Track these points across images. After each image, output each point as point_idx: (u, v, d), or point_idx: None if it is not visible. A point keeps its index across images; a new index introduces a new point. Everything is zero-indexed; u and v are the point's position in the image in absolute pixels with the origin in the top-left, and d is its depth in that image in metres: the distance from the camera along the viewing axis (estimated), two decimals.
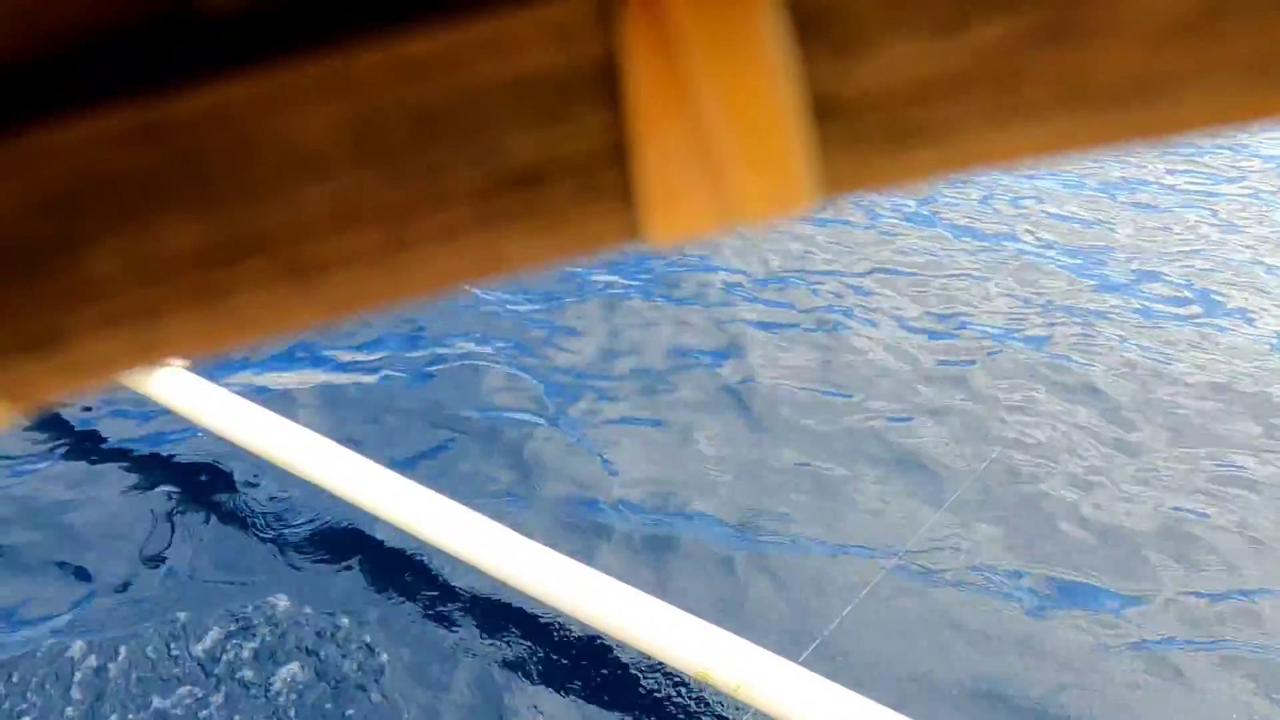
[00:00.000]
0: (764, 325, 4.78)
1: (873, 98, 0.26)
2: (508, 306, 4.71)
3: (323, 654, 2.86)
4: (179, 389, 3.58)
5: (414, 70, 0.24)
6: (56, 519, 3.32)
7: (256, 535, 3.31)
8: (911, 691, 2.89)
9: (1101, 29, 0.24)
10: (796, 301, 5.06)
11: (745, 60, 0.24)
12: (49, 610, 2.97)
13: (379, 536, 3.30)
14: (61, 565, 3.14)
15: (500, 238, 0.27)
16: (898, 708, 2.52)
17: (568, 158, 0.26)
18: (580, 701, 2.84)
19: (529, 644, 2.99)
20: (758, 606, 3.18)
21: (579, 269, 4.87)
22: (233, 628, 2.91)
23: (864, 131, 0.26)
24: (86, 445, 3.69)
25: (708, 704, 2.85)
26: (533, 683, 2.88)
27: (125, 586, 3.08)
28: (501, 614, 3.07)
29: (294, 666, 2.82)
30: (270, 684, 2.77)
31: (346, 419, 3.89)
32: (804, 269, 5.42)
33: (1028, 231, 6.17)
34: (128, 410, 3.82)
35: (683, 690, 2.87)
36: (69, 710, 2.64)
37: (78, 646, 2.80)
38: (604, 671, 2.93)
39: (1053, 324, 5.06)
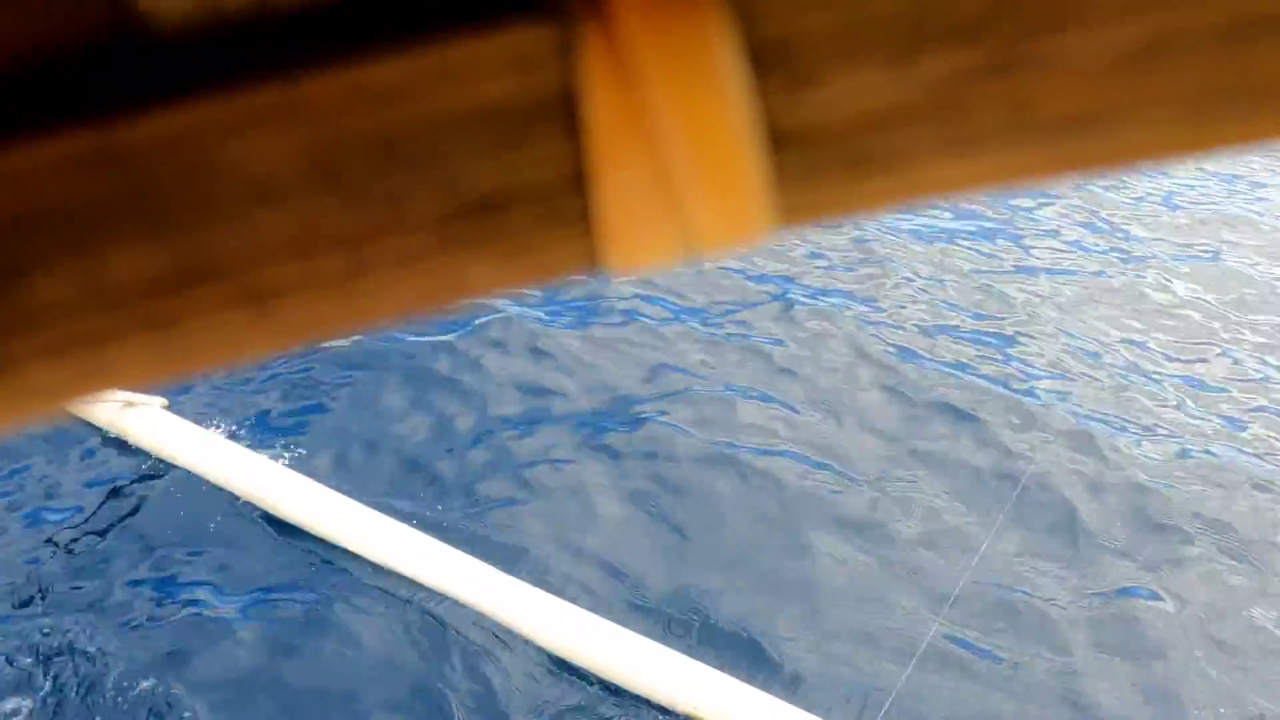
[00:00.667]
0: None
1: (827, 128, 0.26)
2: None
3: None
4: (155, 427, 3.59)
5: (373, 97, 0.24)
6: None
7: None
8: None
9: (1047, 64, 0.25)
10: None
11: (702, 91, 0.24)
12: None
13: None
14: None
15: (461, 263, 0.27)
16: None
17: (528, 185, 0.26)
18: None
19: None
20: None
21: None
22: None
23: (820, 161, 0.27)
24: None
25: None
26: None
27: None
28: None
29: None
30: None
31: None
32: None
33: None
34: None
35: None
36: None
37: None
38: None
39: None
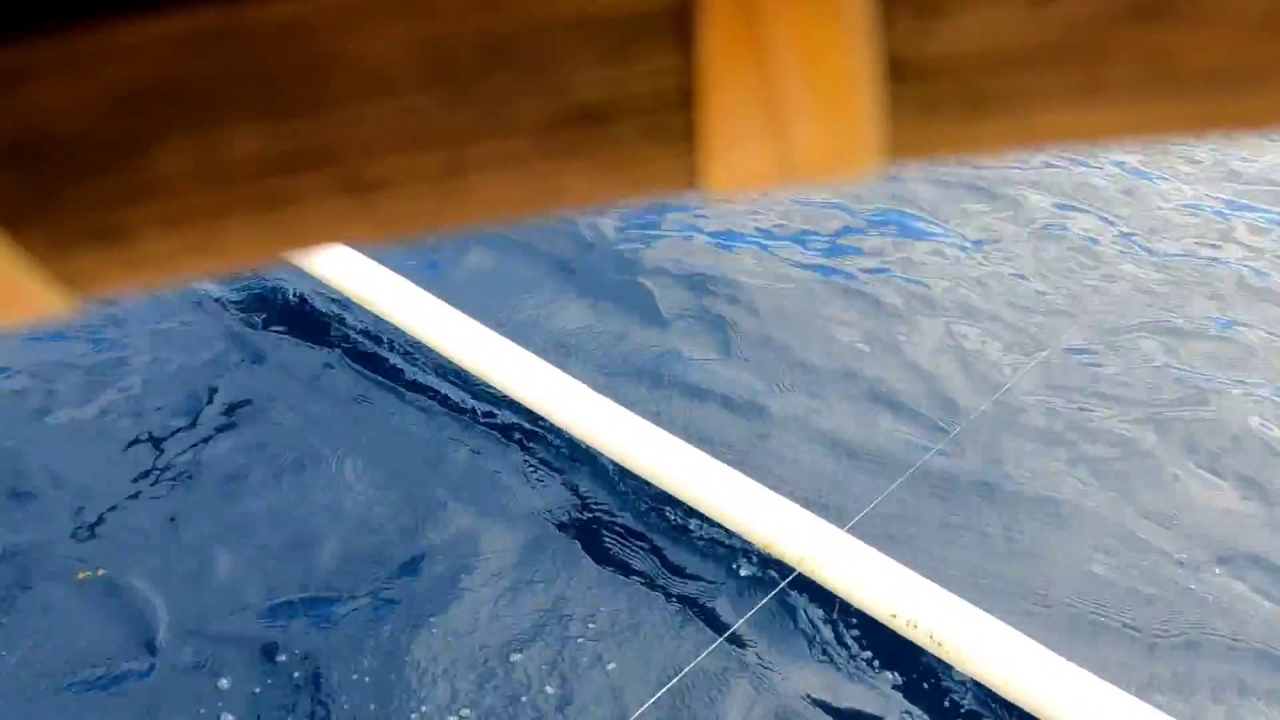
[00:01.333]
0: None
1: (950, 63, 0.25)
2: None
3: None
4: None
5: None
6: None
7: None
8: None
9: (1194, 13, 0.24)
10: None
11: (823, 13, 0.23)
12: None
13: None
14: None
15: (560, 171, 0.27)
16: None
17: (633, 98, 0.26)
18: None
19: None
20: None
21: None
22: None
23: (938, 96, 0.26)
24: None
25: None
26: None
27: None
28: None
29: None
30: None
31: None
32: None
33: None
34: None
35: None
36: None
37: None
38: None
39: None
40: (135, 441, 3.16)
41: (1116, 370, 4.01)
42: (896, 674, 2.64)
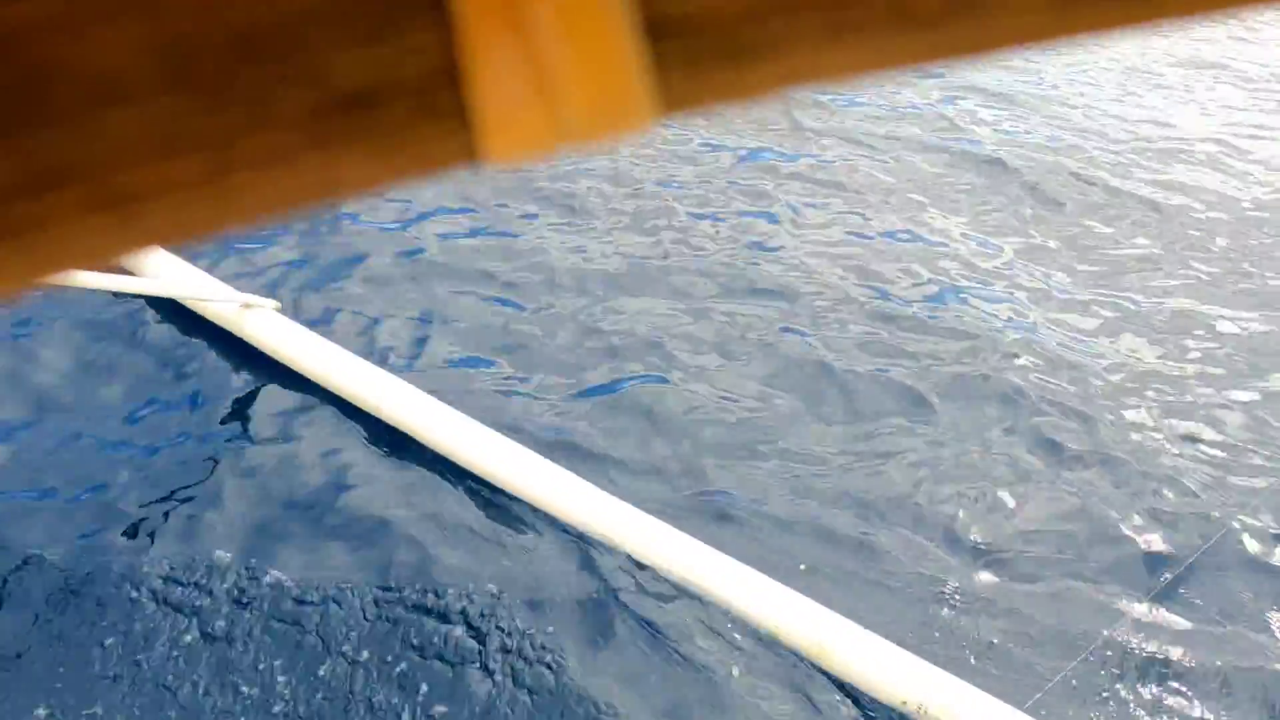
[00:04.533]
0: None
1: (705, 17, 0.26)
2: None
3: None
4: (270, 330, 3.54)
5: None
6: None
7: None
8: None
9: None
10: None
11: None
12: None
13: None
14: None
15: (334, 160, 0.26)
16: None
17: (400, 78, 0.25)
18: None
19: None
20: None
21: None
22: None
23: (699, 50, 0.26)
24: None
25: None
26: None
27: None
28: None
29: None
30: None
31: None
32: None
33: None
34: None
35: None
36: None
37: None
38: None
39: None
40: None
41: None
42: None
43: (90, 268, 0.27)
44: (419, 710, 2.53)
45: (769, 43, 0.26)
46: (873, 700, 2.71)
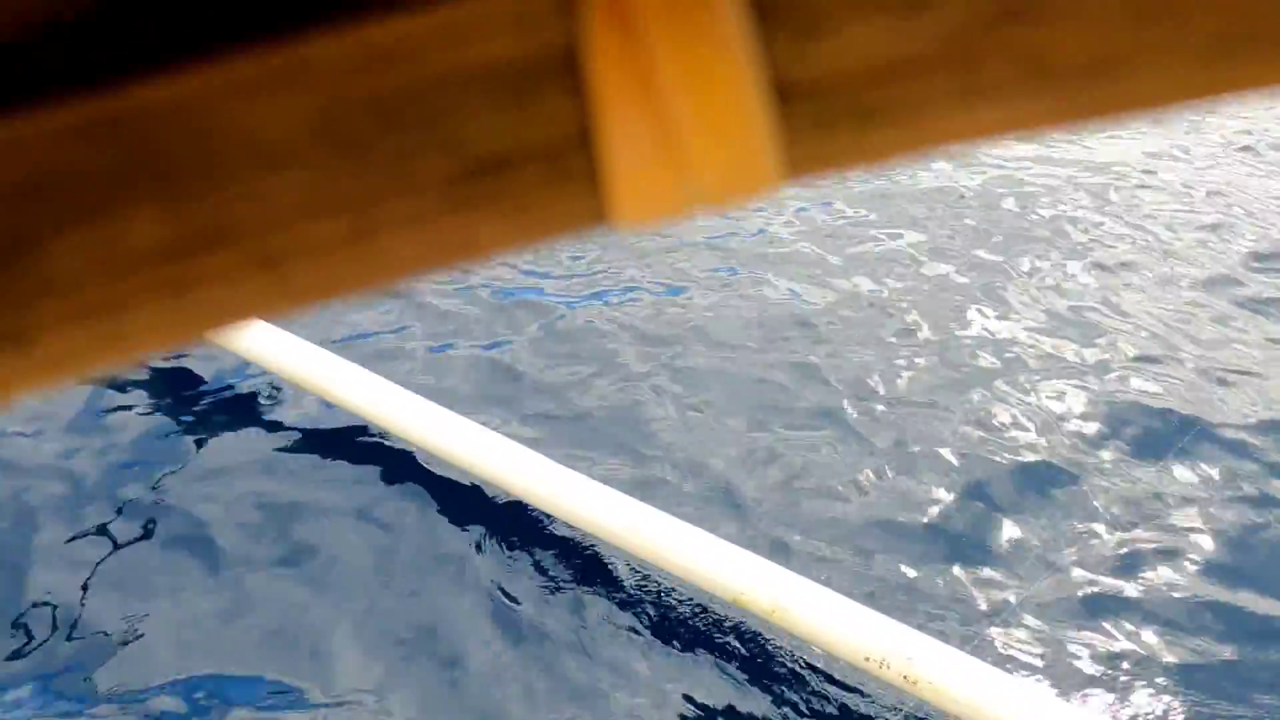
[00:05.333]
0: None
1: (835, 79, 0.26)
2: None
3: None
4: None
5: (374, 59, 0.24)
6: None
7: None
8: None
9: (1060, 10, 0.25)
10: None
11: (706, 44, 0.24)
12: None
13: None
14: None
15: (469, 223, 0.27)
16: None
17: (534, 143, 0.26)
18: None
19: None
20: None
21: None
22: None
23: (828, 113, 0.26)
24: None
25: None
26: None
27: None
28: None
29: None
30: None
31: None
32: None
33: None
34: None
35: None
36: None
37: None
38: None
39: None
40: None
41: None
42: None
43: (243, 322, 0.28)
44: None
45: (899, 106, 0.26)
46: (834, 659, 2.69)
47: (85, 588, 2.88)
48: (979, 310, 4.73)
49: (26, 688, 2.58)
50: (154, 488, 3.27)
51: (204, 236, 0.25)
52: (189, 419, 3.63)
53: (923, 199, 6.15)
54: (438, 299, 4.50)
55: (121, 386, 3.71)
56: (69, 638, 2.72)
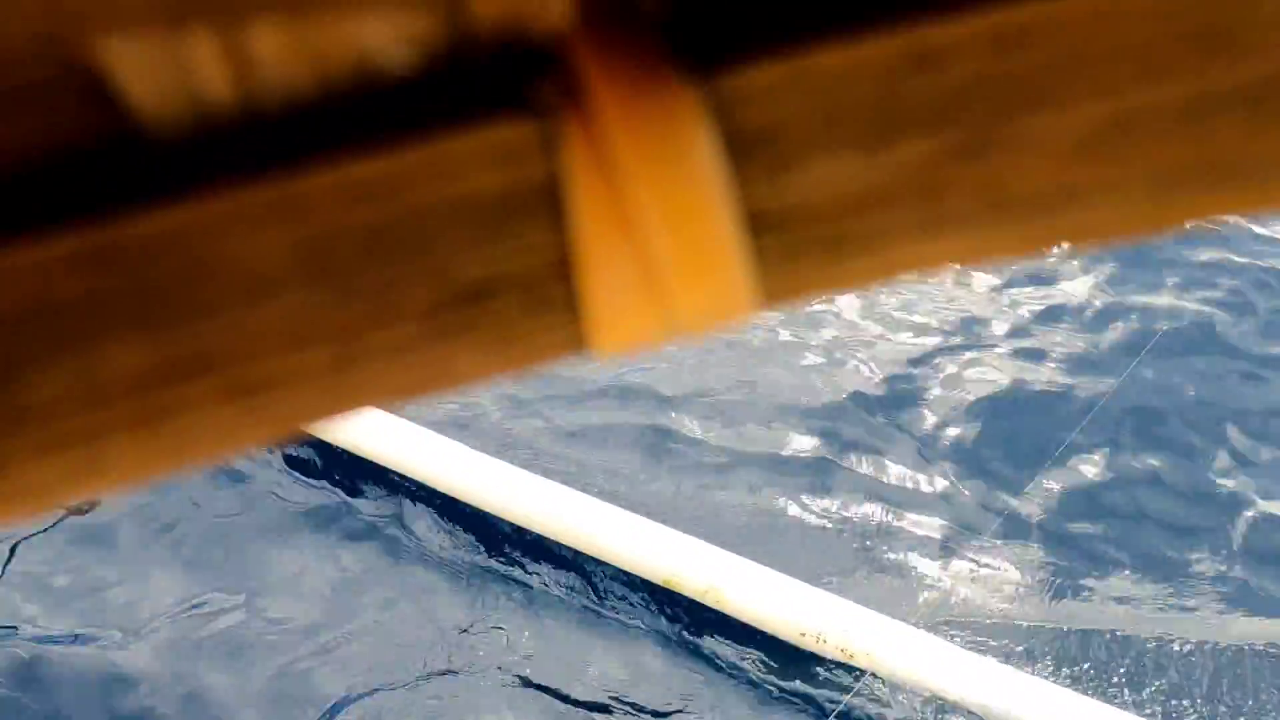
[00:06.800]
0: None
1: (806, 212, 0.27)
2: None
3: None
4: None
5: (360, 193, 0.24)
6: None
7: None
8: None
9: (1016, 146, 0.26)
10: None
11: (681, 180, 0.25)
12: None
13: None
14: None
15: (450, 353, 0.27)
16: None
17: (515, 274, 0.26)
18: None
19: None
20: None
21: None
22: None
23: (799, 244, 0.27)
24: None
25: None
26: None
27: None
28: None
29: None
30: None
31: None
32: None
33: None
34: None
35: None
36: None
37: None
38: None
39: None
40: None
41: None
42: None
43: (213, 457, 0.28)
44: None
45: (867, 235, 0.27)
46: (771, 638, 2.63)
47: None
48: None
49: None
50: None
51: (184, 366, 0.25)
52: None
53: None
54: None
55: None
56: None
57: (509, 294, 0.27)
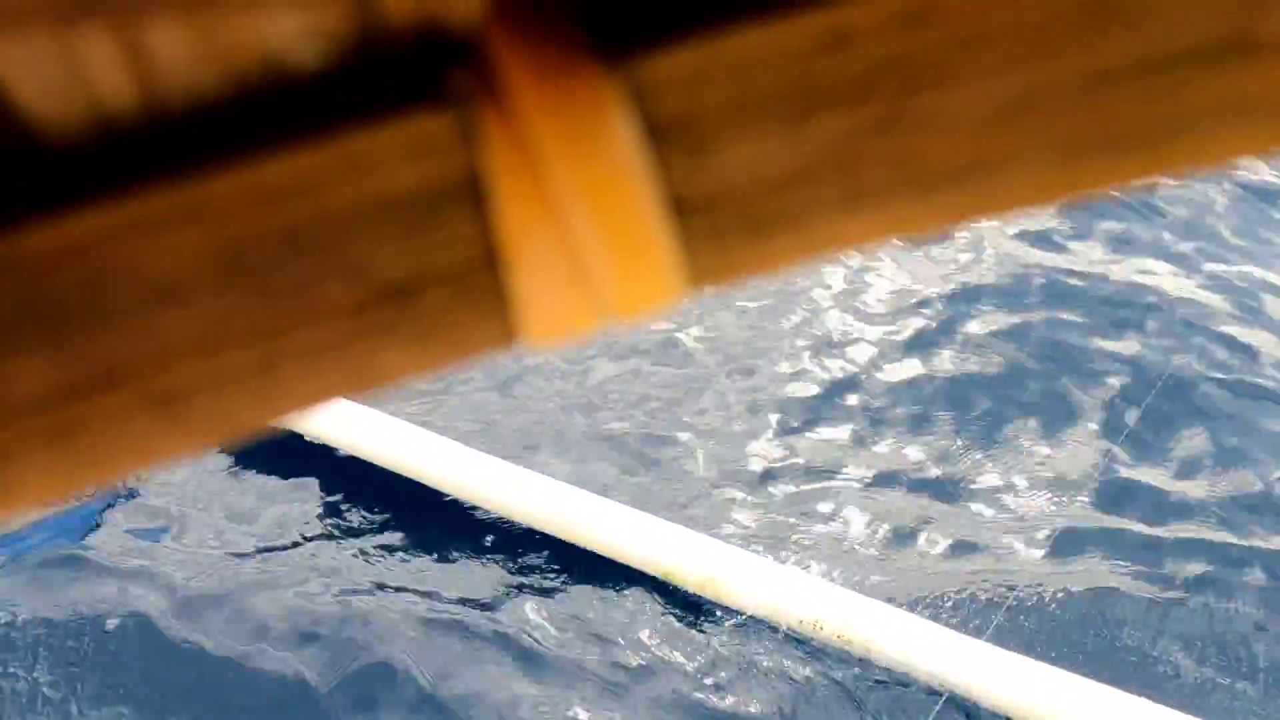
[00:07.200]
0: None
1: (728, 193, 0.27)
2: None
3: None
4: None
5: (275, 194, 0.24)
6: None
7: None
8: None
9: (928, 121, 0.26)
10: None
11: (602, 166, 0.25)
12: None
13: None
14: None
15: (377, 349, 0.27)
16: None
17: (439, 268, 0.26)
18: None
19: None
20: None
21: None
22: None
23: (723, 224, 0.27)
24: None
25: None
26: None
27: None
28: None
29: None
30: None
31: None
32: None
33: None
34: None
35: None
36: None
37: None
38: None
39: None
40: None
41: None
42: None
43: (136, 470, 0.27)
44: None
45: (790, 214, 0.28)
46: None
47: None
48: None
49: None
50: None
51: (94, 379, 0.24)
52: None
53: None
54: None
55: None
56: None
57: (435, 288, 0.26)
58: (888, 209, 0.28)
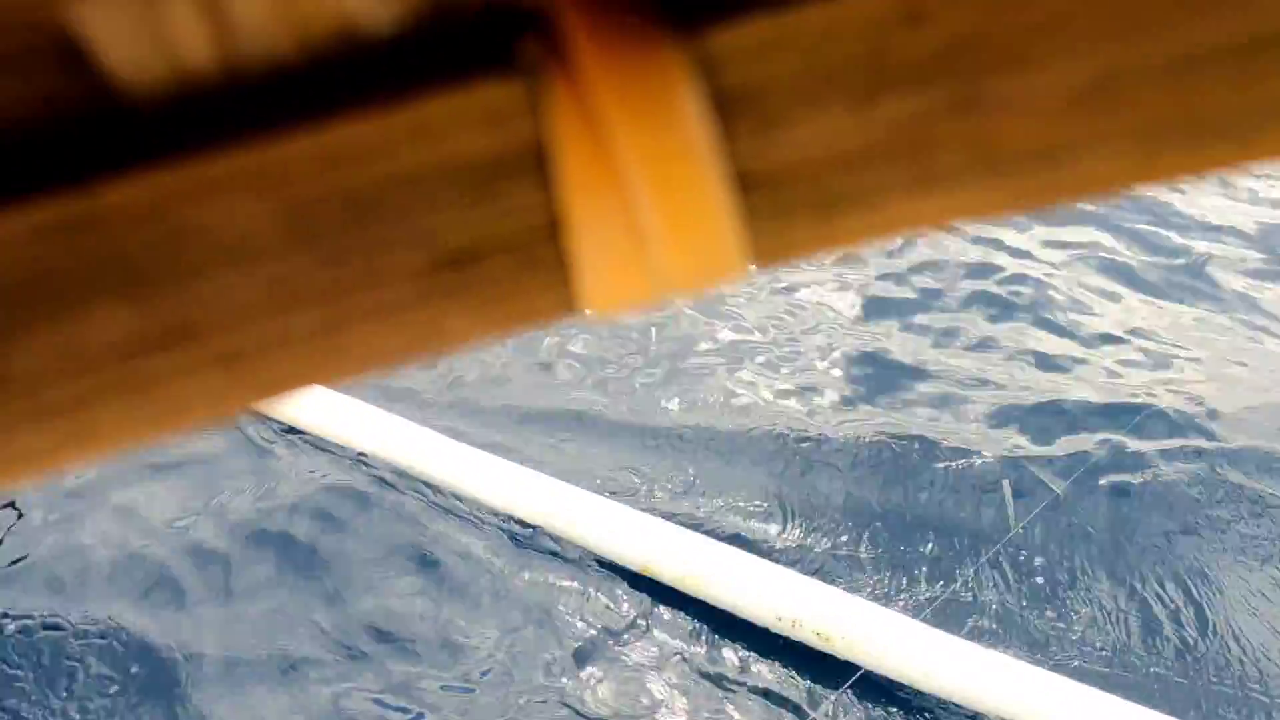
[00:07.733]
0: None
1: (794, 170, 0.27)
2: None
3: None
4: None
5: (346, 158, 0.24)
6: None
7: None
8: None
9: (1005, 103, 0.26)
10: None
11: (669, 139, 0.25)
12: None
13: None
14: None
15: (439, 315, 0.27)
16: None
17: (503, 235, 0.26)
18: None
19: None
20: None
21: None
22: None
23: (788, 202, 0.27)
24: None
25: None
26: None
27: None
28: None
29: None
30: None
31: None
32: None
33: None
34: None
35: None
36: None
37: None
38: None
39: None
40: None
41: None
42: None
43: (204, 420, 0.28)
44: None
45: (857, 194, 0.27)
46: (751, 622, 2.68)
47: None
48: None
49: None
50: None
51: (169, 333, 0.25)
52: None
53: None
54: None
55: None
56: None
57: (498, 256, 0.26)
58: (958, 191, 0.28)
